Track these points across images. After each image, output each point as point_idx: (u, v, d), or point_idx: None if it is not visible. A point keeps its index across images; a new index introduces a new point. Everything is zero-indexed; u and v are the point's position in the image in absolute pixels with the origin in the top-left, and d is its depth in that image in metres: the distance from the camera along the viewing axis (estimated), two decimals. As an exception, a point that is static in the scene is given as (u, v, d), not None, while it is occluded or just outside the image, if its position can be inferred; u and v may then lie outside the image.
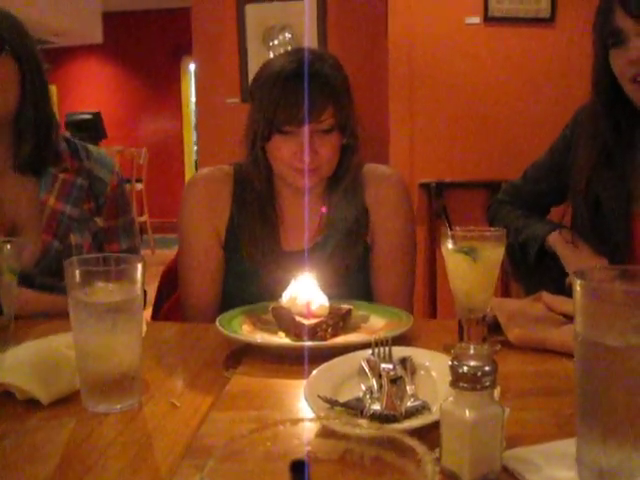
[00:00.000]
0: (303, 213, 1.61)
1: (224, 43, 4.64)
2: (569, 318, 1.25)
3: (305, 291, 1.24)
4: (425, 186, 3.73)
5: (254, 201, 1.61)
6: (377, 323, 1.28)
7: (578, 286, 0.68)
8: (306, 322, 1.20)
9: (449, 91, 3.74)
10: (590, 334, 0.68)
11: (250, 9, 4.57)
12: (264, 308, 1.32)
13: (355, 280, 1.60)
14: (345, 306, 1.27)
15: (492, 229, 1.17)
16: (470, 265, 1.10)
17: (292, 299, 1.23)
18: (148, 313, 1.84)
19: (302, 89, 1.43)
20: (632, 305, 0.67)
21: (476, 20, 3.69)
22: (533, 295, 1.37)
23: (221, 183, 1.65)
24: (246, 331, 1.25)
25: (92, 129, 7.89)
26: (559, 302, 1.29)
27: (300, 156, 1.49)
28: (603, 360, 0.68)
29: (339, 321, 1.23)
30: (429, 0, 3.73)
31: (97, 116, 8.23)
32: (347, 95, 1.56)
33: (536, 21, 3.66)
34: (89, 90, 10.34)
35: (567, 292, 1.55)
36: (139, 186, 8.03)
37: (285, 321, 1.23)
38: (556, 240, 1.64)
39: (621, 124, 1.56)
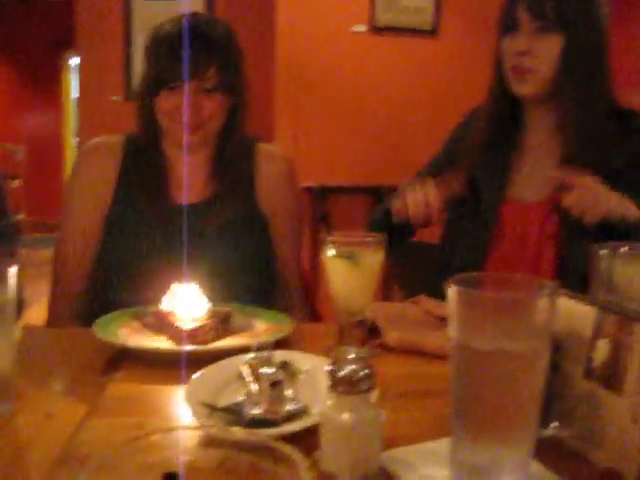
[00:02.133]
0: (191, 168, 1.65)
1: (109, 38, 4.51)
2: (446, 322, 1.29)
3: (185, 294, 1.22)
4: (309, 190, 3.75)
5: (143, 161, 1.66)
6: (258, 327, 1.28)
7: (451, 292, 0.71)
8: (186, 326, 1.18)
9: (335, 96, 3.79)
10: (463, 338, 0.71)
11: (138, 5, 4.46)
12: (144, 311, 1.29)
13: (250, 247, 1.65)
14: (226, 309, 1.26)
15: (373, 234, 1.19)
16: (350, 270, 1.12)
17: (172, 302, 1.22)
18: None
19: (186, 47, 1.50)
20: (502, 310, 0.70)
21: (362, 29, 3.76)
22: (412, 298, 1.41)
23: (109, 151, 1.68)
24: (124, 335, 1.21)
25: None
26: (436, 306, 1.33)
27: (183, 110, 1.54)
28: (475, 363, 0.71)
29: (219, 325, 1.22)
30: (316, 7, 3.76)
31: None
32: (234, 59, 1.63)
33: (420, 32, 3.76)
34: (-41, 82, 9.83)
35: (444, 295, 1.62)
36: (16, 183, 7.72)
37: (165, 325, 1.21)
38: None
39: (514, 110, 1.68)
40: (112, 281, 1.60)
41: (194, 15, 1.64)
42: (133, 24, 4.47)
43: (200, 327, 1.18)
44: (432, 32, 3.76)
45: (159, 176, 1.65)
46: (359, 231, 1.21)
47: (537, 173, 1.67)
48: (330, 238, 1.14)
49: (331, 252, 1.14)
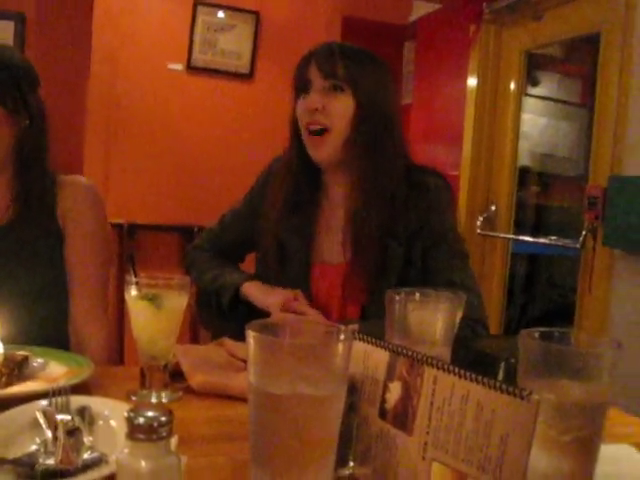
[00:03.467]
0: None
1: None
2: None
3: None
4: (117, 226, 3.66)
5: None
6: (57, 370, 1.22)
7: (251, 338, 0.72)
8: (-26, 371, 1.10)
9: (148, 133, 3.74)
10: (260, 382, 0.72)
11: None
12: None
13: (45, 273, 1.60)
14: (22, 353, 1.19)
15: (177, 277, 1.18)
16: (153, 312, 1.10)
17: (-40, 345, 1.13)
18: None
19: None
20: (298, 356, 0.72)
21: (179, 67, 3.76)
22: (216, 340, 1.41)
23: None
24: None
25: None
26: (240, 348, 1.34)
27: None
28: (271, 407, 0.72)
29: (14, 369, 1.15)
30: (133, 42, 3.71)
31: None
32: (26, 80, 1.59)
33: (237, 75, 3.82)
34: None
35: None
36: None
37: (-50, 370, 1.12)
38: (250, 288, 1.73)
39: (311, 172, 1.72)
40: None
41: None
42: None
43: (-10, 372, 1.11)
44: (249, 75, 3.83)
45: None
46: (165, 273, 1.19)
47: (335, 234, 1.73)
48: (134, 279, 1.12)
49: (134, 293, 1.11)
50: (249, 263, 1.94)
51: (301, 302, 1.64)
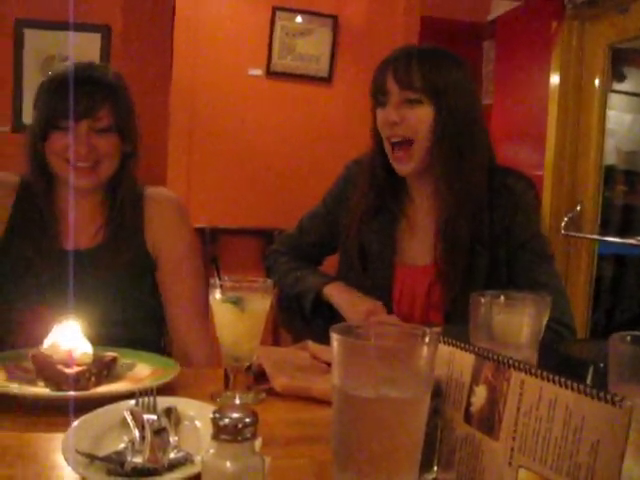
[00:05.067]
0: (82, 214, 1.63)
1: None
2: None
3: (68, 337, 1.18)
4: (200, 231, 3.72)
5: (34, 205, 1.61)
6: (143, 371, 1.25)
7: (335, 340, 0.72)
8: (68, 370, 1.14)
9: (229, 138, 3.79)
10: (345, 385, 0.72)
11: (29, 35, 4.33)
12: (23, 355, 1.24)
13: (140, 293, 1.63)
14: (110, 354, 1.23)
15: (260, 280, 1.19)
16: (237, 315, 1.12)
17: (53, 346, 1.17)
18: None
19: (79, 88, 1.51)
20: (383, 358, 0.72)
21: (258, 72, 3.80)
22: (299, 344, 1.42)
23: (3, 189, 1.63)
24: (0, 380, 1.16)
25: None
26: (323, 351, 1.34)
27: (75, 149, 1.52)
28: (356, 410, 0.72)
29: (103, 370, 1.18)
30: (213, 49, 3.77)
31: None
32: (126, 102, 1.64)
33: (315, 79, 3.84)
34: None
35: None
36: None
37: (45, 369, 1.16)
38: (332, 290, 1.72)
39: (394, 180, 1.71)
40: None
41: (87, 63, 1.65)
42: (24, 54, 4.34)
43: (82, 372, 1.15)
44: (328, 79, 3.84)
45: (48, 222, 1.60)
46: (248, 275, 1.20)
47: (420, 238, 1.72)
48: (218, 282, 1.14)
49: (218, 296, 1.13)
50: (328, 266, 1.94)
51: (383, 314, 1.63)
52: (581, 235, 3.94)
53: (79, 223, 1.62)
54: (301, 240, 1.90)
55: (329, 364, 1.32)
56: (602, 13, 3.85)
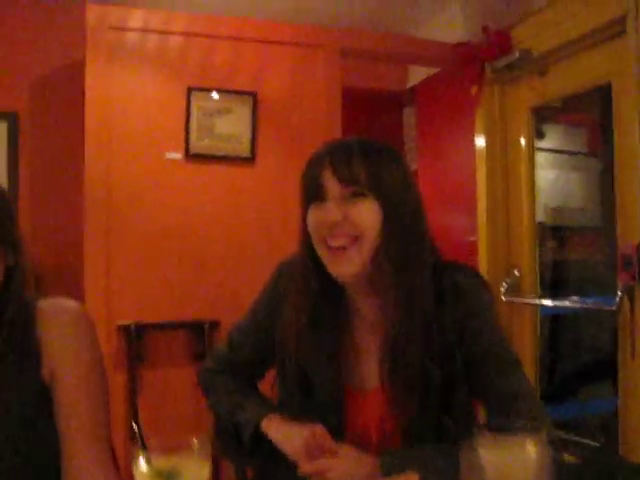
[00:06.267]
0: None
1: None
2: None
3: None
4: (124, 328, 3.45)
5: None
6: None
7: None
8: None
9: (148, 228, 3.55)
10: None
11: None
12: None
13: (33, 441, 1.34)
14: None
15: (193, 440, 0.94)
16: None
17: None
18: None
19: None
20: None
21: (177, 156, 3.61)
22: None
23: None
24: None
25: None
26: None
27: None
28: None
29: None
30: (127, 134, 3.56)
31: None
32: (5, 210, 1.39)
33: (237, 159, 3.68)
34: None
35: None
36: None
37: None
38: (269, 426, 1.52)
39: (331, 287, 1.50)
40: None
41: None
42: None
43: None
44: (249, 159, 3.69)
45: None
46: (178, 433, 0.96)
47: (365, 358, 1.53)
48: (143, 452, 0.90)
49: (143, 471, 0.89)
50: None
51: (325, 440, 1.40)
52: (523, 300, 3.86)
53: None
54: (233, 359, 1.68)
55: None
56: (522, 76, 3.87)
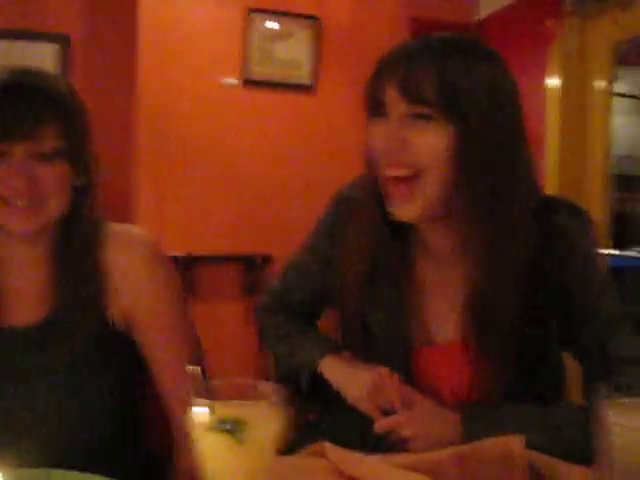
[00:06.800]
0: (28, 275, 1.23)
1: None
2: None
3: None
4: (173, 259, 3.35)
5: None
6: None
7: None
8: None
9: (201, 155, 3.44)
10: None
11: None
12: None
13: (102, 370, 1.23)
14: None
15: (266, 388, 0.78)
16: (233, 449, 0.72)
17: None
18: None
19: (16, 101, 1.16)
20: None
21: (234, 81, 3.46)
22: (313, 446, 1.04)
23: None
24: None
25: None
26: (350, 460, 0.97)
27: (10, 183, 1.13)
28: None
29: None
30: (183, 57, 3.43)
31: None
32: (80, 121, 1.23)
33: (296, 87, 3.51)
34: None
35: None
36: None
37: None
38: (327, 367, 1.33)
39: (399, 228, 1.27)
40: None
41: (28, 68, 1.26)
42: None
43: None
44: (309, 87, 3.51)
45: None
46: (244, 379, 0.79)
47: (442, 308, 1.30)
48: (203, 400, 0.74)
49: (204, 420, 0.73)
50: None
51: (393, 386, 1.21)
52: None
53: (22, 287, 1.23)
54: (287, 298, 1.48)
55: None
56: (605, 9, 3.58)
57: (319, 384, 1.34)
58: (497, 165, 1.16)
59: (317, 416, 1.49)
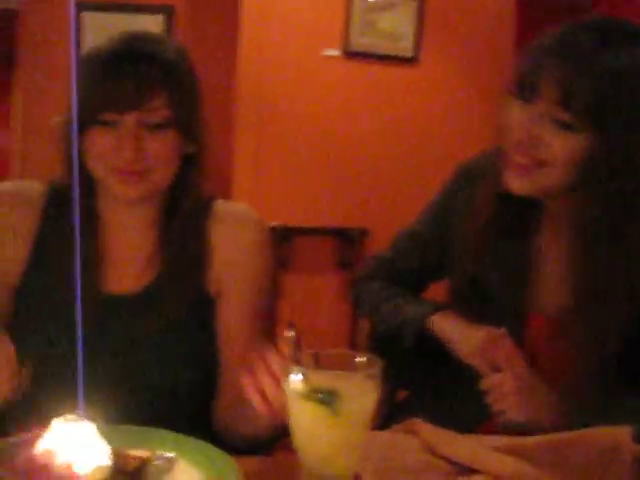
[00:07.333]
0: (131, 242, 1.24)
1: (56, 54, 4.08)
2: (456, 465, 0.91)
3: (70, 441, 0.79)
4: (270, 230, 3.37)
5: (67, 225, 1.20)
6: (186, 477, 0.86)
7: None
8: (75, 482, 0.76)
9: (302, 128, 3.43)
10: None
11: (88, 18, 4.04)
12: (14, 446, 0.85)
13: (195, 340, 1.24)
14: (139, 453, 0.83)
15: (363, 359, 0.76)
16: (328, 420, 0.70)
17: (51, 453, 0.78)
18: None
19: (126, 69, 1.14)
20: None
21: (335, 53, 3.42)
22: (405, 423, 1.02)
23: (24, 203, 1.25)
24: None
25: None
26: (442, 439, 0.94)
27: (120, 153, 1.13)
28: None
29: None
30: (284, 28, 3.42)
31: None
32: (191, 88, 1.23)
33: (398, 59, 3.44)
34: None
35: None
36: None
37: (43, 477, 0.78)
38: (440, 321, 1.31)
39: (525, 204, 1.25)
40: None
41: (138, 33, 1.25)
42: (83, 38, 4.06)
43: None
44: (412, 59, 3.44)
45: (86, 256, 1.23)
46: (341, 349, 0.77)
47: (555, 279, 1.28)
48: (297, 366, 0.72)
49: (299, 389, 0.71)
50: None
51: (506, 347, 1.20)
52: None
53: (126, 254, 1.25)
54: (397, 266, 1.46)
55: (453, 461, 0.94)
56: None
57: (424, 342, 1.31)
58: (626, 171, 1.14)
59: (410, 392, 1.47)
